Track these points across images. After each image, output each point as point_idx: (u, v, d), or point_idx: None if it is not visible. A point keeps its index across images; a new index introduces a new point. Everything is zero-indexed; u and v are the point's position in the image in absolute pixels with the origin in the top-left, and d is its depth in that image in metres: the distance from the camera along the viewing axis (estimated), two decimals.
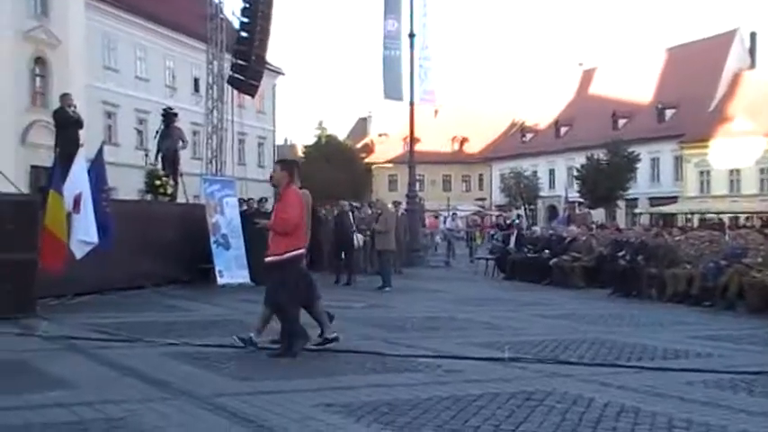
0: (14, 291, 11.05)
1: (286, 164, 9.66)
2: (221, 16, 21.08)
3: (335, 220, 20.03)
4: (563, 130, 71.69)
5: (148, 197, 18.88)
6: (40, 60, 37.98)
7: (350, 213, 20.01)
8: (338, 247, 19.58)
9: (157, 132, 19.74)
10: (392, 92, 29.12)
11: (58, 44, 38.40)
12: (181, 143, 19.57)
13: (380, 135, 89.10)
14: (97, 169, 11.94)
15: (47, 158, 24.87)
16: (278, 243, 8.88)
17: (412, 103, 28.56)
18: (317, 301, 9.25)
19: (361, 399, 6.66)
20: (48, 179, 15.85)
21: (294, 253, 8.87)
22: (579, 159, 58.62)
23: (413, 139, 30.23)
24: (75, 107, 16.45)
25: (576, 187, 55.06)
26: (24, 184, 26.99)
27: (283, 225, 8.87)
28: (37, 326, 10.31)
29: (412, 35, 28.23)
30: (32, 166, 33.70)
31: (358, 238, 19.27)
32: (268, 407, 6.32)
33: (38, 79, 38.07)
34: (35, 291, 11.49)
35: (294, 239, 8.88)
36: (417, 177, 31.86)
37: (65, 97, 16.69)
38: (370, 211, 21.31)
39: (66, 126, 16.02)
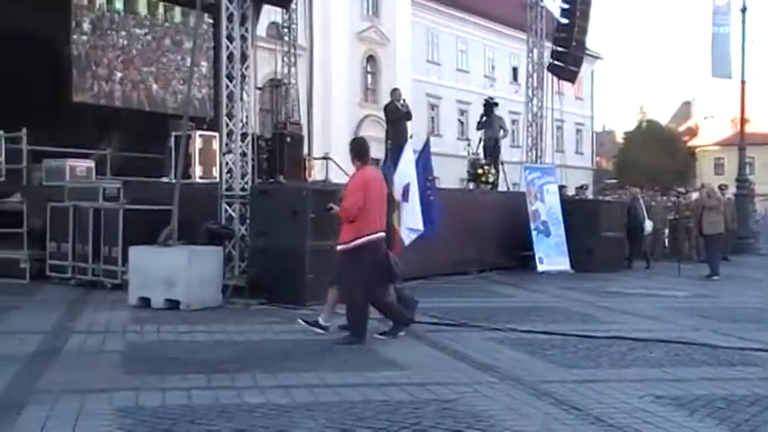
0: None
1: (352, 145, 9.09)
2: (541, 4, 21.07)
3: (628, 206, 19.86)
4: None
5: (471, 186, 19.39)
6: (371, 59, 40.46)
7: (641, 200, 20.06)
8: (630, 234, 19.50)
9: (479, 122, 20.20)
10: (721, 70, 27.52)
11: (387, 42, 40.67)
12: (502, 132, 19.90)
13: (705, 118, 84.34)
14: (424, 160, 12.42)
15: (377, 151, 26.32)
16: (346, 231, 8.52)
17: (743, 81, 26.81)
18: (389, 288, 9.02)
19: (693, 392, 6.43)
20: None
21: (362, 240, 8.40)
22: None
23: (743, 120, 28.46)
24: (404, 101, 17.30)
25: None
26: None
27: (343, 213, 8.54)
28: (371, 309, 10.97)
29: (744, 9, 26.49)
30: None
31: (647, 225, 19.30)
32: (594, 396, 6.29)
33: (369, 76, 40.55)
34: None
35: (362, 226, 8.41)
36: (747, 160, 29.81)
37: (394, 92, 17.62)
38: (695, 196, 20.57)
39: (396, 119, 16.91)
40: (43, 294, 12.11)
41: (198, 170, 15.15)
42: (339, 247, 8.56)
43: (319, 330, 8.78)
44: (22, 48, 17.15)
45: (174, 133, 15.08)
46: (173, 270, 10.74)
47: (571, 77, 20.99)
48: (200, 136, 15.39)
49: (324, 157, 20.76)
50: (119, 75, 19.49)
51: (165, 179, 14.97)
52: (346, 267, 8.53)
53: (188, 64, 19.35)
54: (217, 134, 13.84)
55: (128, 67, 19.74)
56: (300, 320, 9.09)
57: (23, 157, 15.54)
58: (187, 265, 10.81)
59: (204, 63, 20.48)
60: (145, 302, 10.78)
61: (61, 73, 18.81)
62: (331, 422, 5.44)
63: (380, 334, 8.79)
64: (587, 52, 26.42)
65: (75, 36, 18.87)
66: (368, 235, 8.43)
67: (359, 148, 8.92)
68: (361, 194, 8.41)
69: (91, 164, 15.90)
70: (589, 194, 24.91)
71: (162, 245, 11.29)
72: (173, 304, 10.63)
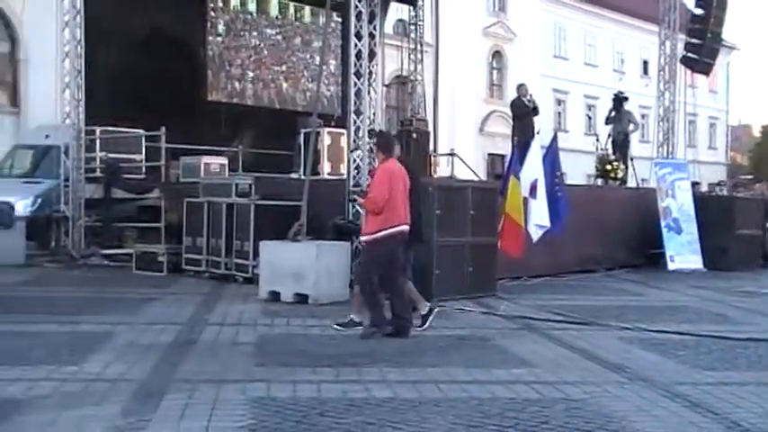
0: (476, 271, 11.80)
1: (377, 137, 9.16)
2: None
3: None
4: None
5: (598, 182, 19.06)
6: (497, 54, 40.29)
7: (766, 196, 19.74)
8: None
9: (608, 117, 19.83)
10: None
11: (514, 37, 40.38)
12: (632, 126, 19.50)
13: None
14: (551, 156, 12.33)
15: (502, 147, 26.22)
16: (370, 222, 8.65)
17: None
18: (403, 282, 8.87)
19: None
20: (505, 167, 16.70)
21: (387, 232, 8.46)
22: None
23: None
24: (530, 96, 17.14)
25: None
26: (482, 171, 28.75)
27: (369, 204, 8.66)
28: (498, 305, 10.95)
29: None
30: (489, 154, 35.91)
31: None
32: (731, 399, 6.10)
33: (495, 72, 40.38)
34: (495, 272, 12.20)
35: (388, 217, 8.48)
36: None
37: (521, 87, 17.47)
38: None
39: (523, 115, 16.78)
40: (179, 287, 12.58)
41: (326, 166, 15.44)
42: (364, 238, 8.75)
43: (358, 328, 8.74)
44: (161, 50, 17.91)
45: (303, 130, 15.42)
46: (301, 265, 10.96)
47: (706, 70, 20.31)
48: (329, 133, 15.68)
49: (449, 154, 20.80)
50: (251, 74, 20.12)
51: (294, 175, 15.32)
52: (368, 257, 8.69)
53: (317, 62, 19.76)
54: (345, 131, 14.05)
55: (259, 66, 20.33)
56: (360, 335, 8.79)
57: (162, 154, 16.19)
58: (315, 260, 10.98)
59: (332, 61, 20.87)
60: (275, 296, 11.04)
61: (197, 73, 19.53)
62: (458, 418, 5.46)
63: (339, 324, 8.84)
64: (723, 43, 25.50)
65: (210, 37, 19.60)
66: (393, 227, 8.54)
67: (384, 142, 9.07)
68: (386, 186, 8.53)
69: (224, 160, 16.43)
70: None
71: (291, 240, 11.54)
72: (301, 298, 10.85)
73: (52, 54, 16.32)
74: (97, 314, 9.63)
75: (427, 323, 8.96)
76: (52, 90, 16.25)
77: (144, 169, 16.68)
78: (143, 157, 16.70)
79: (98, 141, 16.40)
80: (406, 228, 8.65)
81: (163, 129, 16.00)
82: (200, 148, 16.71)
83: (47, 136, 17.13)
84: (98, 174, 16.21)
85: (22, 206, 16.29)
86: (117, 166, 16.06)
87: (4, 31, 27.92)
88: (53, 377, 6.38)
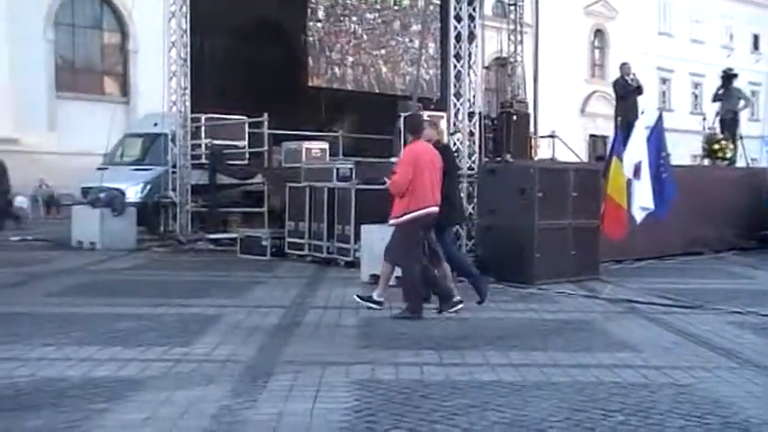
0: (578, 254, 11.64)
1: (405, 119, 8.96)
2: None
3: None
4: None
5: (705, 162, 18.54)
6: (599, 33, 39.64)
7: None
8: None
9: (715, 94, 19.25)
10: None
11: (616, 15, 39.58)
12: (742, 103, 18.86)
13: None
14: (656, 136, 12.03)
15: (604, 128, 25.74)
16: (397, 205, 8.57)
17: None
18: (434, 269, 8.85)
19: None
20: (608, 148, 16.40)
21: (412, 215, 8.41)
22: None
23: None
24: (633, 75, 16.77)
25: None
26: (583, 152, 28.31)
27: (392, 186, 8.59)
28: (601, 289, 10.79)
29: None
30: (591, 135, 35.35)
31: None
32: None
33: (596, 51, 39.72)
34: (598, 255, 12.01)
35: (412, 200, 8.42)
36: None
37: (623, 67, 17.11)
38: None
39: (626, 95, 16.43)
40: (282, 270, 12.81)
41: None
42: (391, 222, 8.73)
43: (375, 306, 8.83)
44: (263, 37, 18.23)
45: (402, 114, 15.43)
46: None
47: None
48: (428, 116, 15.65)
49: (550, 136, 20.55)
50: (350, 59, 20.27)
51: (394, 159, 15.37)
52: (402, 243, 8.63)
53: (416, 46, 19.76)
54: (444, 114, 14.03)
55: (358, 51, 20.47)
56: (356, 297, 9.23)
57: (264, 140, 16.47)
58: None
59: (431, 44, 20.84)
60: (376, 279, 11.07)
61: (298, 59, 19.80)
62: (562, 401, 5.43)
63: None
64: None
65: (310, 23, 19.84)
66: (418, 209, 8.49)
67: (410, 124, 9.10)
68: (409, 168, 8.48)
69: (325, 145, 16.60)
70: None
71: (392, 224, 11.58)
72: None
73: (159, 44, 16.83)
74: (205, 297, 9.90)
75: (449, 311, 8.78)
76: (159, 79, 16.75)
77: (247, 155, 17.00)
78: (246, 143, 17.01)
79: (203, 128, 16.77)
80: (432, 210, 8.60)
81: (265, 115, 16.27)
82: (302, 134, 16.93)
83: (155, 124, 17.66)
84: (203, 160, 16.61)
85: (133, 193, 16.92)
86: (221, 152, 16.42)
87: (115, 24, 28.98)
88: (165, 358, 6.60)
